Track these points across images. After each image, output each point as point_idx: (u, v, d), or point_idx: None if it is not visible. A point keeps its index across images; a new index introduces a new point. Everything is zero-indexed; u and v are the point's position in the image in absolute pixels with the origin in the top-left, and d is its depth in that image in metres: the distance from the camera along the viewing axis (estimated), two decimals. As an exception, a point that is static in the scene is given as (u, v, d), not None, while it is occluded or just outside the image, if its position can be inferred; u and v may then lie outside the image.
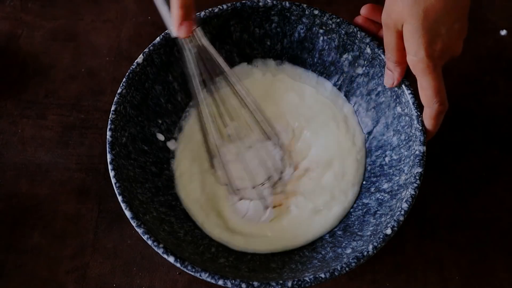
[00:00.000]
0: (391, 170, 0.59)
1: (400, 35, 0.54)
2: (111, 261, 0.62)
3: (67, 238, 0.63)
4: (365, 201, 0.60)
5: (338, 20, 0.61)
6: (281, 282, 0.51)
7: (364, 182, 0.61)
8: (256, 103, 0.60)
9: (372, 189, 0.60)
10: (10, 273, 0.61)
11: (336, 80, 0.65)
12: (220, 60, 0.57)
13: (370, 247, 0.52)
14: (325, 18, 0.61)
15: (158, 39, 0.61)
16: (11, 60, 0.72)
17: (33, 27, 0.73)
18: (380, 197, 0.58)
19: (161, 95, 0.63)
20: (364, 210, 0.59)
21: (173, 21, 0.53)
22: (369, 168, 0.62)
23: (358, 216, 0.59)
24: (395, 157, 0.59)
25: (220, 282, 0.51)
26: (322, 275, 0.51)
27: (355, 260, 0.51)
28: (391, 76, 0.58)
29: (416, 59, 0.53)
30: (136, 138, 0.60)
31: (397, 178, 0.57)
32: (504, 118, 0.67)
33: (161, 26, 0.72)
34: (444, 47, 0.53)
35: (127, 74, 0.59)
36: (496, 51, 0.71)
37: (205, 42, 0.56)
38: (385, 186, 0.58)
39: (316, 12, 0.61)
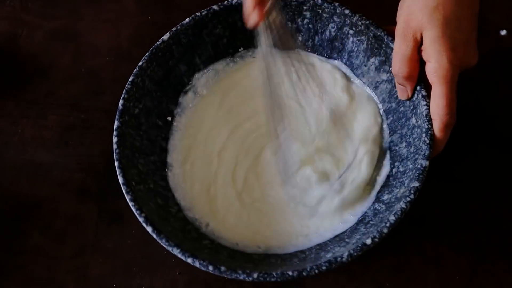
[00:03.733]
0: (394, 182, 0.58)
1: (416, 45, 0.54)
2: (111, 261, 0.62)
3: (67, 238, 0.63)
4: (364, 209, 0.59)
5: (367, 22, 0.61)
6: (247, 271, 0.51)
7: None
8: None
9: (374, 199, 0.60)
10: (10, 273, 0.61)
11: (362, 84, 0.65)
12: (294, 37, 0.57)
13: (346, 254, 0.51)
14: (355, 19, 0.61)
15: (187, 19, 0.62)
16: (11, 60, 0.72)
17: (33, 27, 0.73)
18: (377, 208, 0.58)
19: (185, 75, 0.64)
20: (360, 219, 0.58)
21: (244, 12, 0.53)
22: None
23: (352, 224, 0.58)
24: (401, 169, 0.58)
25: (189, 260, 0.52)
26: (290, 273, 0.51)
27: (327, 264, 0.51)
28: (404, 90, 0.57)
29: (437, 65, 0.52)
30: (151, 112, 0.62)
31: (397, 190, 0.57)
32: (504, 118, 0.67)
33: (161, 26, 0.73)
34: (463, 56, 0.53)
35: (150, 49, 0.61)
36: (496, 51, 0.71)
37: (280, 22, 0.55)
38: (385, 197, 0.58)
39: (346, 11, 0.61)
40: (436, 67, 0.52)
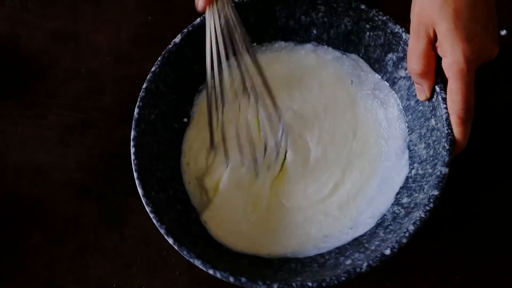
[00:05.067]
0: (414, 185, 0.57)
1: (430, 42, 0.53)
2: (111, 261, 0.62)
3: (67, 238, 0.63)
4: (383, 211, 0.59)
5: (384, 17, 0.60)
6: (268, 282, 0.51)
7: None
8: (266, 84, 0.59)
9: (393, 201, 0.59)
10: (10, 273, 0.61)
11: (379, 79, 0.64)
12: (242, 32, 0.56)
13: (365, 264, 0.51)
14: (371, 14, 0.61)
15: (198, 20, 0.62)
16: (11, 60, 0.72)
17: (33, 27, 0.73)
18: (396, 211, 0.57)
19: (199, 75, 0.64)
20: (379, 222, 0.58)
21: None
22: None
23: (371, 227, 0.58)
24: (420, 172, 0.57)
25: (210, 271, 0.52)
26: (309, 283, 0.51)
27: (346, 275, 0.51)
28: (422, 90, 0.57)
29: (451, 59, 0.51)
30: (167, 116, 0.62)
31: (417, 195, 0.56)
32: (504, 117, 0.67)
33: (161, 26, 0.73)
34: (481, 47, 0.51)
35: (162, 53, 0.60)
36: (496, 51, 0.71)
37: (229, 12, 0.56)
38: (405, 200, 0.57)
39: (362, 6, 0.61)
40: (450, 62, 0.51)
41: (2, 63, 0.71)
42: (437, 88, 0.56)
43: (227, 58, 0.58)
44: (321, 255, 0.58)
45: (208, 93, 0.60)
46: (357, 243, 0.57)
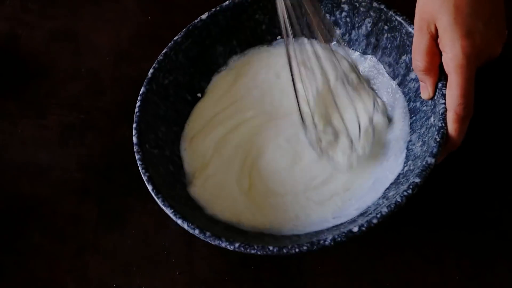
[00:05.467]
0: (403, 180, 0.57)
1: (432, 38, 0.53)
2: (111, 261, 0.62)
3: (67, 238, 0.63)
4: (369, 204, 0.59)
5: (401, 18, 0.60)
6: (231, 240, 0.52)
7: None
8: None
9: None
10: (10, 273, 0.61)
11: (392, 81, 0.64)
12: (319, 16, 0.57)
13: (330, 237, 0.51)
14: (389, 14, 0.61)
15: (227, 2, 0.64)
16: (11, 60, 0.72)
17: (33, 27, 0.73)
18: (380, 203, 0.57)
19: (220, 55, 0.66)
20: (362, 212, 0.58)
21: None
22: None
23: (353, 216, 0.58)
24: (411, 167, 0.57)
25: (179, 222, 0.53)
26: (270, 248, 0.51)
27: (308, 245, 0.51)
28: (425, 87, 0.56)
29: (451, 54, 0.51)
30: (181, 86, 0.64)
31: (402, 187, 0.56)
32: (504, 117, 0.67)
33: (161, 26, 0.73)
34: (482, 44, 0.51)
35: (187, 26, 0.63)
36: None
37: None
38: (391, 193, 0.57)
39: (382, 6, 0.61)
40: (450, 56, 0.51)
41: (2, 63, 0.71)
42: (439, 84, 0.56)
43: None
44: (297, 235, 0.58)
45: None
46: (335, 228, 0.57)
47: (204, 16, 0.63)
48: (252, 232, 0.58)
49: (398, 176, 0.59)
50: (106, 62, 0.71)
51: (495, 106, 0.67)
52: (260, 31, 0.66)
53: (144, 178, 0.56)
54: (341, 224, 0.58)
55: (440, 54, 0.54)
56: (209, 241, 0.52)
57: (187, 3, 0.74)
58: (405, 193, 0.52)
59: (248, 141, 0.63)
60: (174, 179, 0.60)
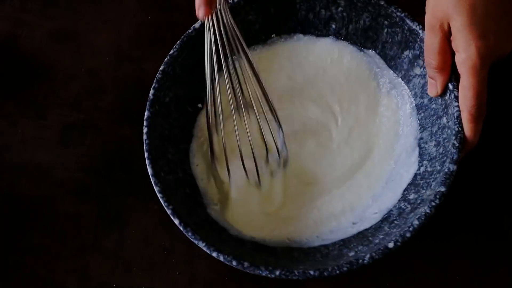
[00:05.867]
0: (421, 182, 0.57)
1: (445, 36, 0.53)
2: (111, 261, 0.62)
3: (67, 238, 0.63)
4: (389, 206, 0.59)
5: (402, 14, 0.60)
6: (270, 268, 0.51)
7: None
8: (263, 89, 0.60)
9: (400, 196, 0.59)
10: (10, 273, 0.61)
11: (395, 76, 0.64)
12: (241, 39, 0.57)
13: (368, 256, 0.51)
14: (389, 11, 0.61)
15: (219, 6, 0.62)
16: (11, 60, 0.72)
17: (33, 27, 0.73)
18: (403, 207, 0.57)
19: (217, 62, 0.64)
20: (385, 217, 0.58)
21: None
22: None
23: (377, 221, 0.58)
24: (429, 169, 0.57)
25: (214, 254, 0.52)
26: (311, 272, 0.51)
27: (348, 265, 0.51)
28: (434, 85, 0.56)
29: (465, 56, 0.51)
30: (181, 100, 0.63)
31: (424, 191, 0.56)
32: (504, 117, 0.67)
33: (161, 25, 0.73)
34: (495, 44, 0.51)
35: (182, 37, 0.61)
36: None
37: (227, 20, 0.56)
38: (412, 196, 0.57)
39: (381, 2, 0.61)
40: (464, 57, 0.51)
41: (2, 63, 0.71)
42: (450, 86, 0.56)
43: (227, 65, 0.58)
44: (325, 246, 0.58)
45: (208, 105, 0.59)
46: (361, 236, 0.57)
47: (197, 25, 0.62)
48: (280, 248, 0.58)
49: (415, 176, 0.59)
50: (106, 62, 0.71)
51: (505, 105, 0.67)
52: (254, 31, 0.66)
53: (169, 212, 0.54)
54: (366, 230, 0.58)
55: (453, 52, 0.54)
56: (248, 271, 0.52)
57: (187, 3, 0.74)
58: (433, 204, 0.53)
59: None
60: (193, 202, 0.59)
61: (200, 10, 0.56)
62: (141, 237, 0.63)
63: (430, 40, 0.54)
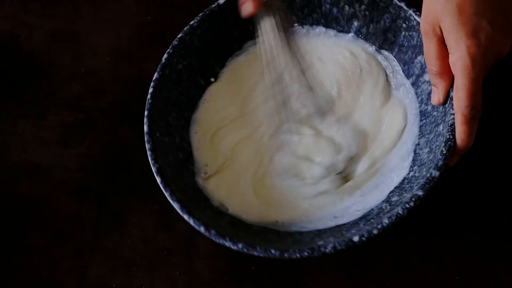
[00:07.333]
0: (407, 186, 0.57)
1: (440, 40, 0.52)
2: (111, 261, 0.62)
3: (67, 238, 0.63)
4: (372, 206, 0.59)
5: (420, 18, 0.59)
6: (234, 239, 0.52)
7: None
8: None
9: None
10: (10, 273, 0.61)
11: (406, 80, 0.64)
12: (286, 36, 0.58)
13: (330, 246, 0.51)
14: (408, 13, 0.61)
15: None
16: (11, 60, 0.72)
17: (33, 27, 0.73)
18: (383, 207, 0.57)
19: (236, 41, 0.66)
20: (364, 215, 0.58)
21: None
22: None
23: (356, 218, 0.58)
24: (417, 174, 0.57)
25: (185, 217, 0.53)
26: (272, 251, 0.51)
27: (309, 251, 0.51)
28: (436, 92, 0.56)
29: (456, 56, 0.50)
30: (195, 70, 0.64)
31: (405, 194, 0.56)
32: (504, 117, 0.67)
33: (161, 25, 0.73)
34: (488, 42, 0.50)
35: (204, 10, 0.63)
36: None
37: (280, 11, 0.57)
38: (394, 198, 0.57)
39: (402, 4, 0.61)
40: (455, 58, 0.50)
41: (2, 63, 0.71)
42: (451, 93, 0.55)
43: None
44: (300, 233, 0.58)
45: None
46: (337, 229, 0.57)
47: (221, 1, 0.63)
48: (256, 227, 0.59)
49: (403, 180, 0.59)
50: (106, 62, 0.71)
51: (503, 106, 0.67)
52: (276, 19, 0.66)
53: (154, 170, 0.55)
54: (344, 225, 0.58)
55: None
56: (213, 239, 0.52)
57: (187, 3, 0.74)
58: (407, 206, 0.52)
59: (266, 143, 0.63)
60: (183, 167, 0.60)
61: (246, 5, 0.56)
62: (141, 237, 0.63)
63: (427, 46, 0.54)
